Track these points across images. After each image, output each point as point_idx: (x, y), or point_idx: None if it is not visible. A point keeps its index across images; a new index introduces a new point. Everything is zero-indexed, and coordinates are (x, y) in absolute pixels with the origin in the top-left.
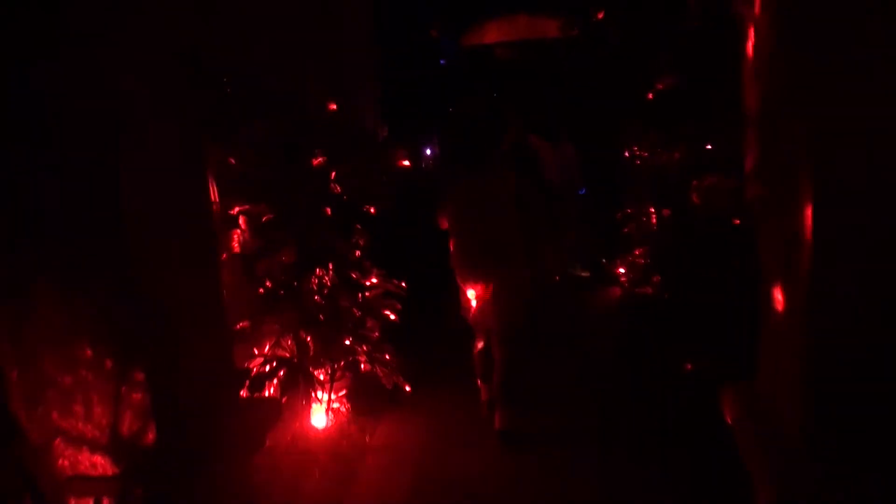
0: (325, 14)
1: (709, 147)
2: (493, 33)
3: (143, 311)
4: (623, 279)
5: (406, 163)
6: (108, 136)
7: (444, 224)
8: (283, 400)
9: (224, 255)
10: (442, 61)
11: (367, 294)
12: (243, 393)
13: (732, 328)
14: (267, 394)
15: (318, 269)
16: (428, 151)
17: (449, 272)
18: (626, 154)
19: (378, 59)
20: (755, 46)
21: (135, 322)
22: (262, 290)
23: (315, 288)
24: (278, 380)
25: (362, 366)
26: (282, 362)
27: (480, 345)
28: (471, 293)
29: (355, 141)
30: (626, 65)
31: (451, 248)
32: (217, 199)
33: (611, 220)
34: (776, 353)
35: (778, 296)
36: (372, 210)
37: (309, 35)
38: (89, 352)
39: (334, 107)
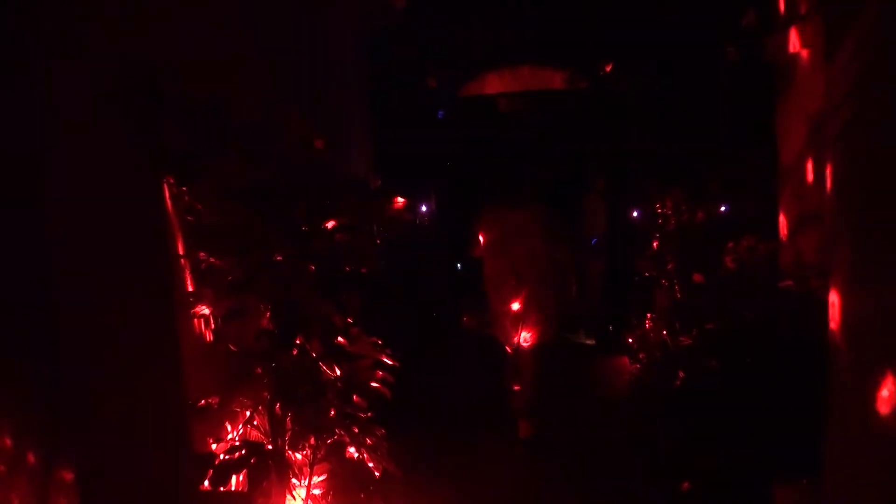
0: (315, 54)
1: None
2: (494, 84)
3: (75, 394)
4: (641, 354)
5: (402, 212)
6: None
7: (478, 252)
8: (254, 495)
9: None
10: (440, 113)
11: (354, 365)
12: (206, 485)
13: (786, 416)
14: (233, 486)
15: (298, 337)
16: (424, 208)
17: (448, 340)
18: (643, 212)
19: (371, 107)
20: (804, 93)
21: (64, 407)
22: (232, 361)
23: (295, 358)
24: (248, 469)
25: (350, 449)
26: (252, 448)
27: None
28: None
29: (344, 189)
30: (640, 118)
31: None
32: (183, 252)
33: (623, 283)
34: (861, 451)
35: (884, 390)
36: (362, 269)
37: (295, 73)
38: (8, 441)
39: (320, 145)
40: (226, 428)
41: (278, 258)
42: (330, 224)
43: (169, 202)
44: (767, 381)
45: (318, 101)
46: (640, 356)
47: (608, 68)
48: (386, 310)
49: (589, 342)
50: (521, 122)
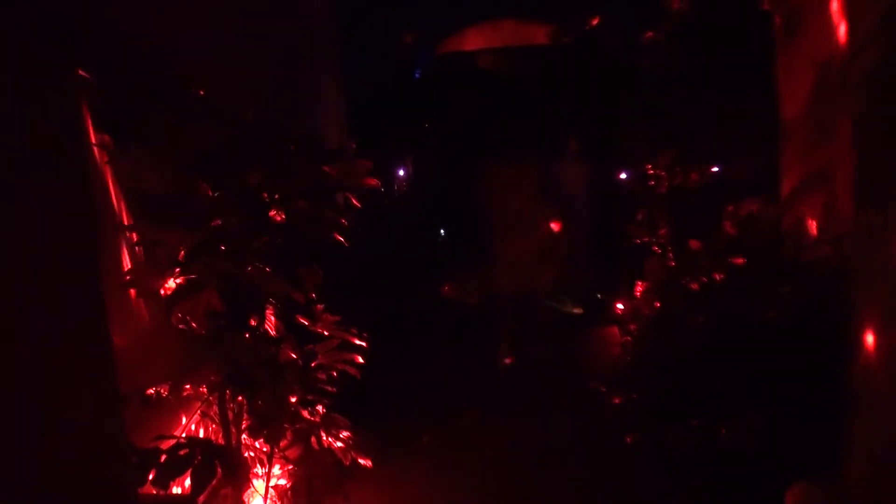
0: (273, 9)
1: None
2: (474, 39)
3: None
4: (632, 326)
5: (372, 181)
6: None
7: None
8: (200, 499)
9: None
10: (417, 73)
11: (318, 346)
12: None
13: (796, 403)
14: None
15: (253, 316)
16: (401, 172)
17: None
18: (632, 174)
19: (342, 66)
20: (810, 40)
21: None
22: (182, 345)
23: (248, 340)
24: (192, 469)
25: (320, 437)
26: (197, 445)
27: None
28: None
29: (305, 154)
30: (629, 73)
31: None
32: (128, 223)
33: (610, 250)
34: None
35: None
36: (325, 241)
37: (248, 24)
38: None
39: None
40: (180, 420)
41: (229, 229)
42: (288, 191)
43: (108, 167)
44: (779, 366)
45: (279, 59)
46: (632, 328)
47: (594, 21)
48: (356, 285)
49: (576, 311)
50: (502, 80)
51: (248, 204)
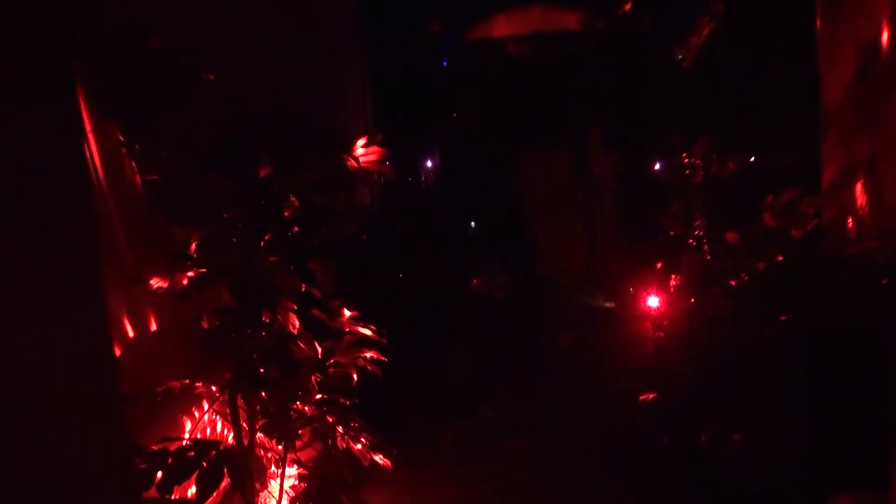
0: None
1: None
2: (503, 26)
3: None
4: (665, 322)
5: (388, 170)
6: None
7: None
8: None
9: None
10: (444, 62)
11: (335, 343)
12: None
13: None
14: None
15: (265, 312)
16: (429, 163)
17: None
18: (666, 164)
19: (367, 54)
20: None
21: None
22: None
23: (259, 338)
24: (198, 473)
25: (336, 438)
26: (204, 448)
27: None
28: None
29: (319, 143)
30: (664, 60)
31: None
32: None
33: (642, 242)
34: None
35: None
36: (341, 236)
37: (266, 14)
38: None
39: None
40: (193, 418)
41: (239, 222)
42: (301, 182)
43: (115, 159)
44: (824, 372)
45: (297, 45)
46: (665, 323)
47: (627, 7)
48: (376, 280)
49: (608, 305)
50: (532, 67)
51: (259, 195)
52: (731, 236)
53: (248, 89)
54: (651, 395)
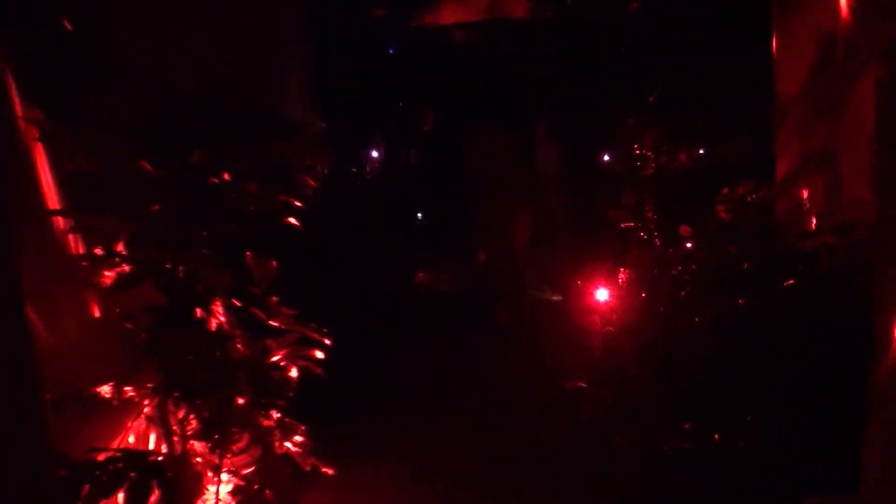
0: None
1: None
2: (451, 12)
3: None
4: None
5: (326, 162)
6: None
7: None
8: None
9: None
10: (390, 49)
11: (273, 342)
12: None
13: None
14: None
15: (196, 312)
16: (374, 153)
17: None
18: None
19: (309, 41)
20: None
21: None
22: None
23: (191, 338)
24: (126, 486)
25: (274, 443)
26: (132, 459)
27: None
28: None
29: (256, 131)
30: (615, 50)
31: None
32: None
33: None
34: None
35: None
36: (282, 226)
37: None
38: None
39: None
40: (123, 425)
41: (169, 215)
42: (235, 171)
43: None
44: (784, 366)
45: (232, 28)
46: (614, 317)
47: None
48: (321, 274)
49: (555, 298)
50: (479, 55)
51: (190, 186)
52: (684, 229)
53: (181, 74)
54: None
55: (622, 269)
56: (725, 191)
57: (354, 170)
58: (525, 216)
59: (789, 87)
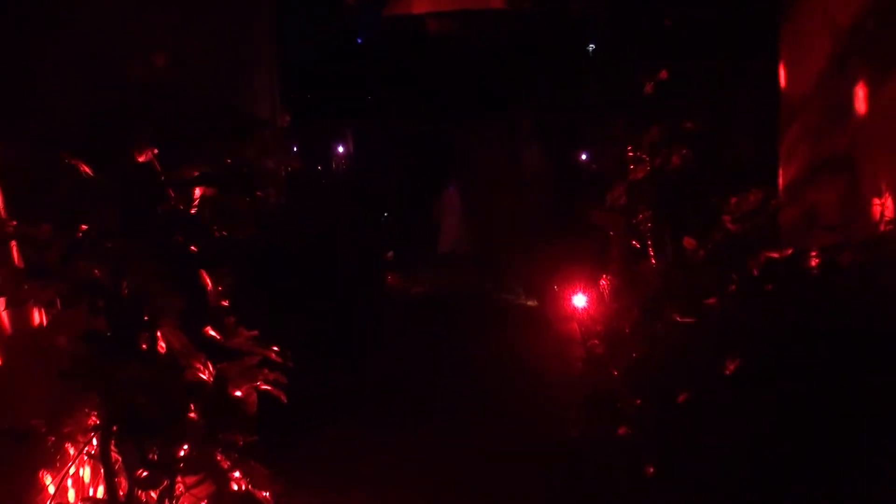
0: None
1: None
2: (423, 2)
3: None
4: (599, 327)
5: (295, 162)
6: None
7: None
8: None
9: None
10: (359, 39)
11: (231, 365)
12: None
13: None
14: None
15: (142, 337)
16: (341, 149)
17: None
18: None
19: (276, 30)
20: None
21: None
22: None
23: (136, 369)
24: None
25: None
26: None
27: None
28: None
29: (213, 128)
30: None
31: None
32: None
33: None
34: None
35: None
36: (243, 235)
37: None
38: None
39: (161, 62)
40: (58, 467)
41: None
42: (188, 174)
43: None
44: (810, 396)
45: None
46: (598, 329)
47: None
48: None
49: (531, 303)
50: (453, 47)
51: (135, 191)
52: (689, 242)
53: (130, 64)
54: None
55: (605, 276)
56: (734, 200)
57: (320, 167)
58: (501, 218)
59: (798, 87)
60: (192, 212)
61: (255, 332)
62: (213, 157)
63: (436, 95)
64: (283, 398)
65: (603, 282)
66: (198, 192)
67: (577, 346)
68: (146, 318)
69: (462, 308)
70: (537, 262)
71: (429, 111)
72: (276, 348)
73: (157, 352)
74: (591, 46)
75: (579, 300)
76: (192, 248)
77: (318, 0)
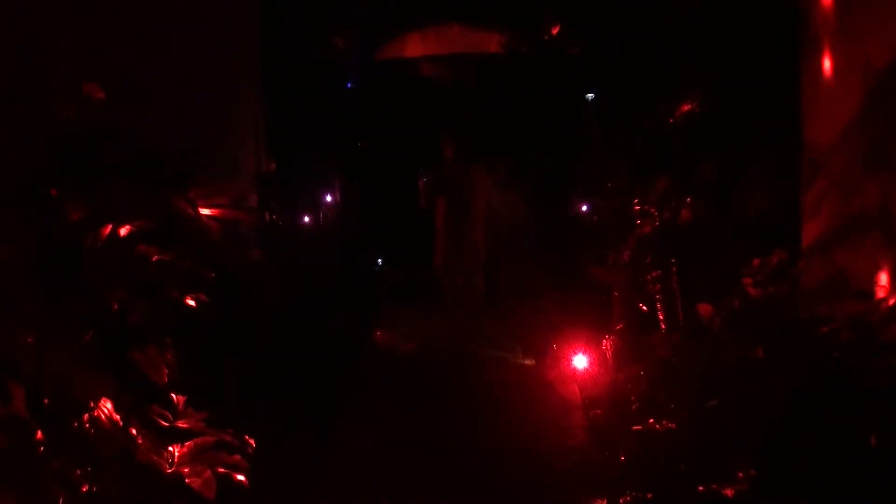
0: None
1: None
2: (417, 45)
3: None
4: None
5: (242, 214)
6: None
7: None
8: None
9: None
10: (349, 83)
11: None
12: None
13: None
14: None
15: (69, 427)
16: (328, 198)
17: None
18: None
19: (264, 76)
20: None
21: None
22: None
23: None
24: None
25: None
26: None
27: None
28: None
29: (148, 176)
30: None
31: None
32: None
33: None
34: None
35: None
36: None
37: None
38: None
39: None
40: None
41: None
42: (123, 231)
43: None
44: None
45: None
46: (602, 396)
47: (555, 31)
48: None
49: (528, 362)
50: (448, 91)
51: (62, 254)
52: (705, 309)
53: (62, 102)
54: None
55: (608, 337)
56: (757, 262)
57: (307, 218)
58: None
59: (823, 134)
60: (129, 275)
61: (206, 414)
62: (145, 210)
63: (429, 139)
64: (246, 482)
65: (606, 343)
66: (136, 250)
67: (577, 412)
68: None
69: (452, 368)
70: (535, 317)
71: (422, 154)
72: (230, 431)
73: (87, 437)
74: (590, 96)
75: (580, 361)
76: (133, 316)
77: (307, 41)
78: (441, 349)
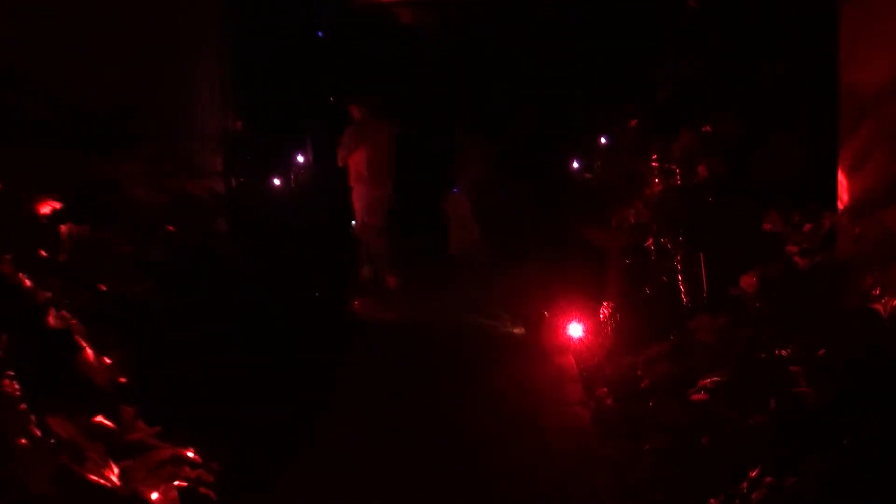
0: None
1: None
2: None
3: None
4: (607, 370)
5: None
6: None
7: None
8: None
9: None
10: (320, 32)
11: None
12: None
13: None
14: None
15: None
16: (300, 158)
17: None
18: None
19: (223, 17)
20: None
21: None
22: None
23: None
24: None
25: None
26: None
27: None
28: None
29: (67, 135)
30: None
31: None
32: None
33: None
34: None
35: None
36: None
37: None
38: None
39: None
40: None
41: None
42: (45, 208)
43: None
44: None
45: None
46: (606, 371)
47: None
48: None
49: (516, 331)
50: (429, 39)
51: None
52: (747, 282)
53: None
54: None
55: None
56: (808, 227)
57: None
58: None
59: (868, 74)
60: (60, 258)
61: (158, 429)
62: (79, 180)
63: (406, 94)
64: (212, 495)
65: (604, 313)
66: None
67: (574, 385)
68: None
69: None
70: (524, 283)
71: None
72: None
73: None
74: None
75: (575, 330)
76: (62, 311)
77: None
78: (419, 320)
